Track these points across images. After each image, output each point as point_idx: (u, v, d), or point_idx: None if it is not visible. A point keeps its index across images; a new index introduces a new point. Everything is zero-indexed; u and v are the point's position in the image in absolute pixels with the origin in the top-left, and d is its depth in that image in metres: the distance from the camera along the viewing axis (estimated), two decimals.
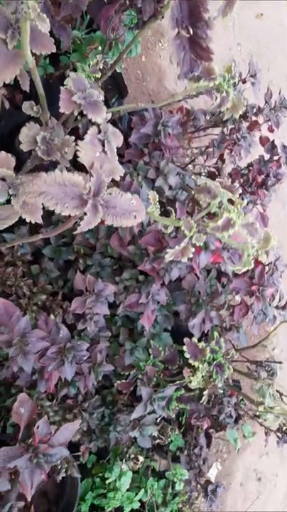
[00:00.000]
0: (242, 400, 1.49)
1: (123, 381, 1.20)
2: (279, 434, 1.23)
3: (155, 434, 1.06)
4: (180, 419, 1.49)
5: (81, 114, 0.78)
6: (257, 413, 1.43)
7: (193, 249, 0.78)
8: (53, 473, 1.10)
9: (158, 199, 0.85)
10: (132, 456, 1.04)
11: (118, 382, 1.19)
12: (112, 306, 1.20)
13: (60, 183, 0.61)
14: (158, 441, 1.09)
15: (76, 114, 0.71)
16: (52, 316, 0.93)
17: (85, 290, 1.01)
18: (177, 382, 1.18)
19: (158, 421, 1.16)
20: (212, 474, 1.94)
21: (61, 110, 0.71)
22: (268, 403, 0.99)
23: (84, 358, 0.89)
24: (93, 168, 0.65)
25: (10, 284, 0.92)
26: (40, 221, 0.72)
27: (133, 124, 1.14)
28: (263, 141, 1.39)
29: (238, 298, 1.35)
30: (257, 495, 2.08)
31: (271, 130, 1.45)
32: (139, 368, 1.15)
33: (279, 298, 1.38)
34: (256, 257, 1.22)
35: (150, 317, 1.05)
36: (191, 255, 0.77)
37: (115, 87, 1.57)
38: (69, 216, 0.62)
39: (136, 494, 1.17)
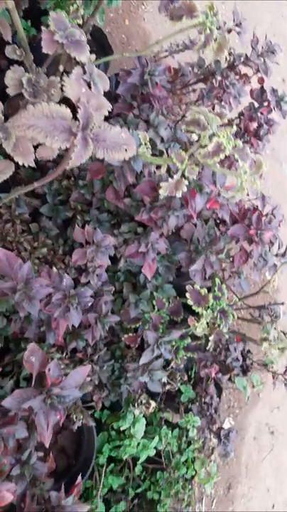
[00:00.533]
0: (249, 351, 1.52)
1: (130, 335, 1.22)
2: None
3: (165, 379, 1.09)
4: (189, 373, 1.52)
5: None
6: (264, 361, 1.46)
7: (186, 186, 0.78)
8: (69, 424, 1.13)
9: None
10: (144, 401, 1.06)
11: (126, 336, 1.21)
12: (114, 261, 1.21)
13: (48, 115, 0.61)
14: (168, 387, 1.12)
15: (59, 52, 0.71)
16: (54, 269, 0.95)
17: (85, 243, 1.02)
18: (183, 330, 1.20)
19: (167, 368, 1.19)
20: None
21: (44, 50, 0.71)
22: (272, 338, 1.01)
23: (89, 304, 0.91)
24: (80, 101, 0.65)
25: (10, 240, 0.93)
26: (32, 164, 0.73)
27: (120, 77, 1.13)
28: (253, 92, 1.38)
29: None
30: (270, 448, 2.12)
31: (261, 82, 1.44)
32: (145, 320, 1.17)
33: (278, 246, 1.39)
34: (252, 206, 1.22)
35: (152, 266, 1.06)
36: (185, 192, 0.78)
37: (100, 49, 1.55)
38: (62, 161, 0.62)
39: (151, 442, 1.21)
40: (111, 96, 1.16)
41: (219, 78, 1.36)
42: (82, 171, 1.10)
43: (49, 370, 0.83)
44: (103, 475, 1.24)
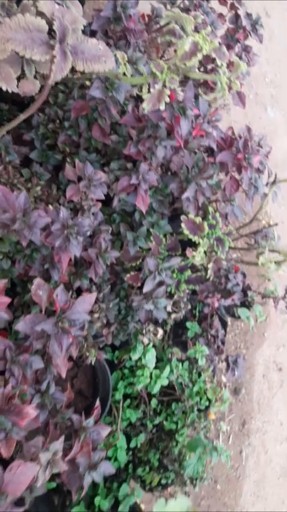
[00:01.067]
0: (249, 286, 1.56)
1: (132, 273, 1.25)
2: None
3: (170, 308, 1.13)
4: (194, 311, 1.56)
5: None
6: (265, 292, 1.50)
7: (170, 112, 0.80)
8: (83, 362, 1.17)
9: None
10: (151, 329, 1.10)
11: (128, 275, 1.24)
12: (108, 203, 1.24)
13: (25, 27, 0.63)
14: (173, 316, 1.16)
15: None
16: (50, 206, 0.97)
17: (77, 180, 1.04)
18: (183, 262, 1.23)
19: (172, 299, 1.23)
20: None
21: None
22: (268, 252, 1.04)
23: (88, 234, 0.93)
24: (54, 15, 0.66)
25: (4, 182, 0.95)
26: (16, 90, 0.74)
27: (93, 15, 1.13)
28: (227, 17, 1.37)
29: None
30: (280, 383, 2.20)
31: (233, 7, 1.41)
32: (144, 256, 1.20)
33: (268, 175, 1.41)
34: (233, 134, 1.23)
35: (145, 198, 1.08)
36: (169, 118, 0.79)
37: None
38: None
39: (163, 372, 1.26)
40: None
41: (192, 12, 1.35)
42: (67, 112, 1.11)
43: (57, 295, 0.86)
44: (121, 410, 1.30)
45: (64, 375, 1.00)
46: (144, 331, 1.08)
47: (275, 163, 2.47)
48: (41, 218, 0.84)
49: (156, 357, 1.35)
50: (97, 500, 1.18)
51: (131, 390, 1.34)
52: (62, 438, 0.93)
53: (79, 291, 1.19)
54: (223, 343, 1.46)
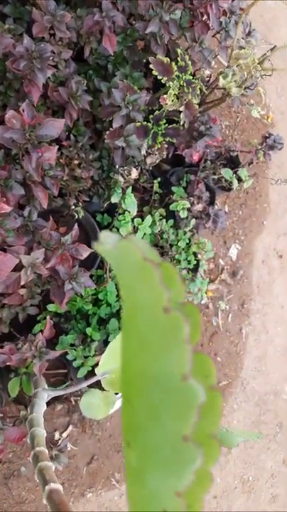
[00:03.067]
0: (229, 149, 1.61)
1: (111, 129, 1.34)
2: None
3: (144, 151, 1.21)
4: (181, 181, 1.64)
5: None
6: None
7: None
8: (70, 215, 1.30)
9: None
10: (126, 172, 1.20)
11: (107, 132, 1.33)
12: (81, 60, 1.31)
13: None
14: (150, 160, 1.25)
15: None
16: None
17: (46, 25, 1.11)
18: (156, 112, 1.30)
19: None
20: (232, 254, 2.14)
21: None
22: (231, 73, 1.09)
23: (50, 58, 1.02)
24: None
25: None
26: None
27: None
28: None
29: None
30: (280, 270, 2.28)
31: None
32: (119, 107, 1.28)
33: (244, 29, 1.42)
34: None
35: (111, 37, 1.15)
36: None
37: None
38: None
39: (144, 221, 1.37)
40: None
41: None
42: None
43: (22, 110, 0.96)
44: (109, 264, 1.43)
45: (45, 206, 1.12)
46: (119, 171, 1.18)
47: None
48: (4, 38, 0.93)
49: (141, 218, 1.46)
50: (89, 330, 1.34)
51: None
52: (43, 250, 1.07)
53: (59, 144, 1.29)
54: (209, 204, 1.55)
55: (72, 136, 1.26)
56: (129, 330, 0.30)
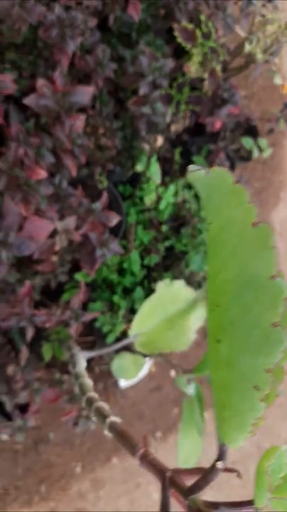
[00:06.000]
0: (249, 119, 1.65)
1: (136, 97, 1.38)
2: None
3: (169, 118, 1.26)
4: (200, 151, 1.69)
5: None
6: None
7: None
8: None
9: None
10: (151, 139, 1.25)
11: (130, 101, 1.37)
12: (105, 28, 1.34)
13: None
14: (173, 127, 1.29)
15: None
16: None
17: None
18: (180, 79, 1.35)
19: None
20: None
21: None
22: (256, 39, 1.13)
23: (81, 28, 1.06)
24: None
25: None
26: None
27: None
28: None
29: None
30: None
31: None
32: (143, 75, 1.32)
33: None
34: None
35: (136, 4, 1.18)
36: None
37: None
38: None
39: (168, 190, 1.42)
40: None
41: None
42: None
43: (55, 77, 1.01)
44: (133, 231, 1.49)
45: (74, 174, 1.18)
46: (146, 138, 1.23)
47: None
48: (37, 7, 0.98)
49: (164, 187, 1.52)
50: (116, 298, 1.41)
51: (143, 216, 1.53)
52: (75, 217, 1.13)
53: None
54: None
55: (97, 105, 1.31)
56: (218, 246, 0.37)
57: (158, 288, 1.18)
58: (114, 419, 0.65)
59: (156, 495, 1.91)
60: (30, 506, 1.64)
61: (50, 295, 1.38)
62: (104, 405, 0.72)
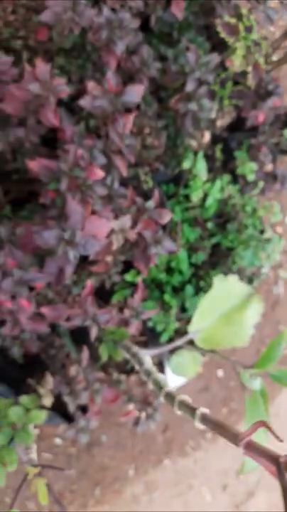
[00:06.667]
0: None
1: (176, 97, 1.39)
2: None
3: (214, 113, 1.26)
4: (241, 146, 1.68)
5: None
6: None
7: None
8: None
9: None
10: (199, 133, 1.25)
11: (173, 99, 1.38)
12: (147, 29, 1.36)
13: None
14: (220, 122, 1.29)
15: None
16: None
17: None
18: (222, 74, 1.35)
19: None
20: None
21: None
22: None
23: (130, 27, 1.07)
24: None
25: None
26: None
27: None
28: None
29: None
30: None
31: None
32: (185, 73, 1.33)
33: None
34: None
35: (179, 2, 1.19)
36: None
37: None
38: None
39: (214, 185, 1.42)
40: None
41: None
42: None
43: (109, 78, 1.03)
44: (179, 229, 1.49)
45: (125, 174, 1.19)
46: (194, 134, 1.23)
47: None
48: (87, 10, 1.00)
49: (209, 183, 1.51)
50: (167, 297, 1.41)
51: (188, 214, 1.53)
52: (130, 216, 1.14)
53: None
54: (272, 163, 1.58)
55: (141, 105, 1.32)
56: None
57: (213, 284, 1.17)
58: (203, 410, 0.65)
59: (209, 496, 1.89)
60: (85, 510, 1.65)
61: (101, 297, 1.40)
62: (185, 397, 0.72)
